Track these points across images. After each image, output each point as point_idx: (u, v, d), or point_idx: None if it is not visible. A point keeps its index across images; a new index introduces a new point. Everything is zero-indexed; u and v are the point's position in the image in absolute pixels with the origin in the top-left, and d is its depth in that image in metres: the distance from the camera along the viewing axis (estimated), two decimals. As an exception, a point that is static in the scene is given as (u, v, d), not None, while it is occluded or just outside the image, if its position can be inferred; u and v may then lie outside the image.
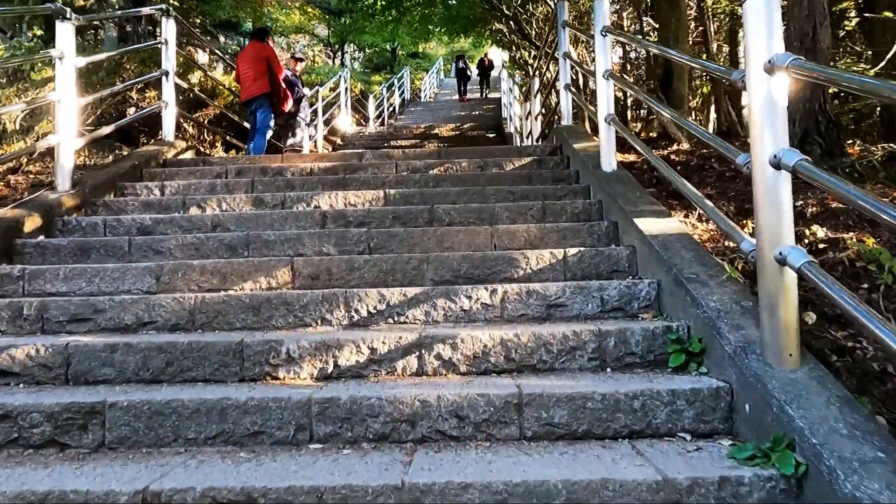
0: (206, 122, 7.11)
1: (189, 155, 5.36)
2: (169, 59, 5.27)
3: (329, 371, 2.16)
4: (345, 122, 12.83)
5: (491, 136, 11.78)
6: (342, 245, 3.19)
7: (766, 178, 1.76)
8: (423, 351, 2.17)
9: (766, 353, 1.78)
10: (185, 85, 5.73)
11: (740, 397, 1.81)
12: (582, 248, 2.88)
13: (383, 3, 11.10)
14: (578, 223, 3.33)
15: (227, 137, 6.82)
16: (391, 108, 17.02)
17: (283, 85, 6.31)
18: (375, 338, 2.18)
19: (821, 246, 2.59)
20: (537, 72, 7.36)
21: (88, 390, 2.07)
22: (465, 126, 12.88)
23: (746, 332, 1.92)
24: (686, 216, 3.17)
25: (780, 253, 1.72)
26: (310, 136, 8.36)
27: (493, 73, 21.37)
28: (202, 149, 7.09)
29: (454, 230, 3.20)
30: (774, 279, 1.75)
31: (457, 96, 20.18)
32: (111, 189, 4.19)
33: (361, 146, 11.22)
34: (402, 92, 19.69)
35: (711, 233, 2.93)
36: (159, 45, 5.32)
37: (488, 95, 19.78)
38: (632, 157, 4.60)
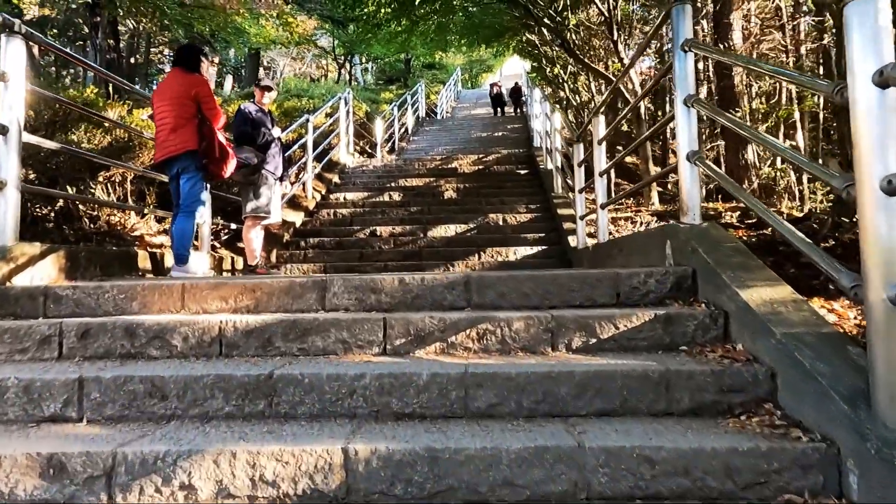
0: (128, 182, 4.97)
1: (44, 273, 3.18)
2: (11, 107, 3.13)
3: None
4: (345, 153, 10.68)
5: (522, 172, 9.51)
6: None
7: None
8: None
9: None
10: (51, 145, 3.54)
11: None
12: None
13: (388, 11, 8.92)
14: None
15: (151, 208, 4.64)
16: (403, 130, 14.86)
17: (223, 136, 4.11)
18: None
19: None
20: (601, 108, 5.07)
21: None
22: (489, 158, 10.62)
23: None
24: None
25: None
26: (283, 195, 6.17)
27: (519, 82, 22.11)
28: (122, 220, 4.95)
29: None
30: None
31: (475, 111, 21.49)
32: None
33: (362, 187, 9.06)
34: (416, 109, 17.61)
35: None
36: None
37: (512, 112, 20.58)
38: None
